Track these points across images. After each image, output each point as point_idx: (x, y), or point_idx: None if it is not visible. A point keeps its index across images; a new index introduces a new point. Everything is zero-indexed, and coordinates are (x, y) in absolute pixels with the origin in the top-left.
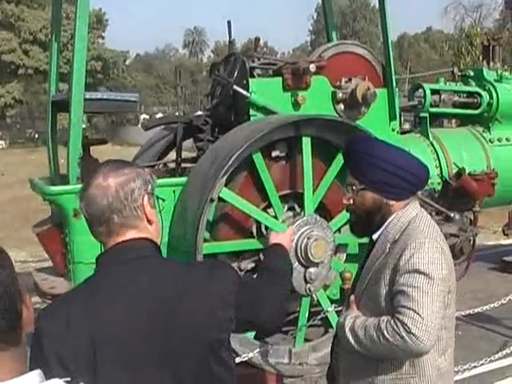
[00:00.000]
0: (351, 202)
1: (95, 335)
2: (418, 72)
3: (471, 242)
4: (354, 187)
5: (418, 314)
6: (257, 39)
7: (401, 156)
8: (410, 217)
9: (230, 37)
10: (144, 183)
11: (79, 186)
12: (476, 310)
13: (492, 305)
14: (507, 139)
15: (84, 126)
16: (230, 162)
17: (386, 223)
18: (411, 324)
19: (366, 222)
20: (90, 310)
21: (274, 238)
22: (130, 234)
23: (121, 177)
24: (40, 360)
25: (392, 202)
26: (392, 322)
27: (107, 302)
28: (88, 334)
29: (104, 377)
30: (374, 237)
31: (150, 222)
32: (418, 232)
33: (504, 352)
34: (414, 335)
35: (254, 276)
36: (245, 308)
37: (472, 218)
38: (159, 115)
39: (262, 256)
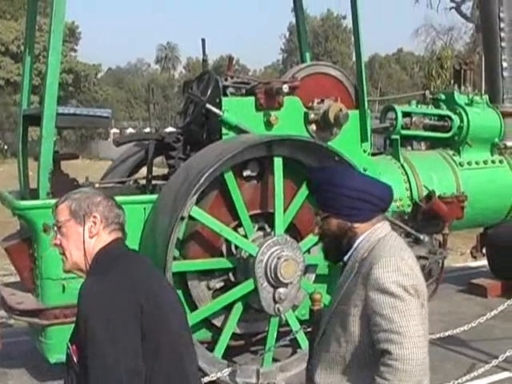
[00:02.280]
0: (319, 230)
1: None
2: (389, 92)
3: (440, 264)
4: (319, 216)
5: (400, 334)
6: (230, 58)
7: (358, 179)
8: (379, 237)
9: (203, 55)
10: None
11: (49, 200)
12: (446, 334)
13: (462, 328)
14: (477, 163)
15: (54, 138)
16: (202, 181)
17: (355, 244)
18: (398, 349)
19: (335, 247)
20: (132, 277)
21: None
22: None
23: None
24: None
25: (357, 225)
26: (380, 368)
27: (145, 274)
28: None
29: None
30: (345, 258)
31: None
32: (385, 250)
33: (472, 375)
34: (404, 360)
35: None
36: None
37: (441, 240)
38: (130, 130)
39: (231, 275)
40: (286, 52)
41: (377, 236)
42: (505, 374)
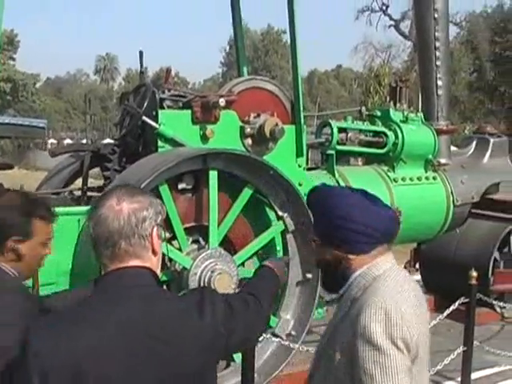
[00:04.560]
0: (316, 256)
1: (81, 359)
2: (327, 108)
3: None
4: (315, 242)
5: None
6: (168, 70)
7: (354, 207)
8: (376, 274)
9: (141, 67)
10: (155, 213)
11: None
12: None
13: None
14: (411, 179)
15: None
16: None
17: (351, 279)
18: None
19: (330, 276)
20: (80, 334)
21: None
22: (133, 263)
23: (135, 203)
24: (23, 376)
25: (352, 257)
26: None
27: (98, 327)
28: (74, 357)
29: None
30: (341, 291)
31: (154, 253)
32: (378, 293)
33: None
34: None
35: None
36: (235, 335)
37: None
38: (67, 140)
39: (165, 288)
40: (225, 65)
41: (373, 274)
42: None
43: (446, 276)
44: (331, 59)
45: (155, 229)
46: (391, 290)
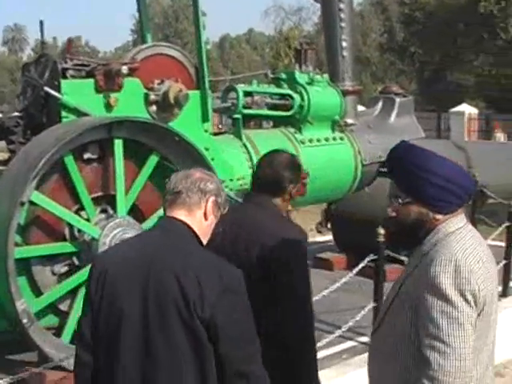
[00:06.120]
0: (394, 214)
1: (108, 264)
2: (240, 72)
3: None
4: (400, 200)
5: (445, 343)
6: (69, 40)
7: (446, 165)
8: (449, 231)
9: (42, 37)
10: (217, 189)
11: None
12: None
13: None
14: (318, 140)
15: None
16: (41, 165)
17: (428, 236)
18: (441, 359)
19: (408, 235)
20: (116, 251)
21: None
22: (182, 215)
23: (206, 175)
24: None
25: (439, 216)
26: (421, 377)
27: (127, 250)
28: (106, 263)
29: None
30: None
31: (205, 217)
32: (448, 248)
33: (317, 345)
34: (445, 372)
35: None
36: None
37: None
38: None
39: (75, 260)
40: (135, 33)
41: (446, 230)
42: (349, 343)
43: (357, 234)
44: (243, 24)
45: (213, 198)
46: (462, 245)
